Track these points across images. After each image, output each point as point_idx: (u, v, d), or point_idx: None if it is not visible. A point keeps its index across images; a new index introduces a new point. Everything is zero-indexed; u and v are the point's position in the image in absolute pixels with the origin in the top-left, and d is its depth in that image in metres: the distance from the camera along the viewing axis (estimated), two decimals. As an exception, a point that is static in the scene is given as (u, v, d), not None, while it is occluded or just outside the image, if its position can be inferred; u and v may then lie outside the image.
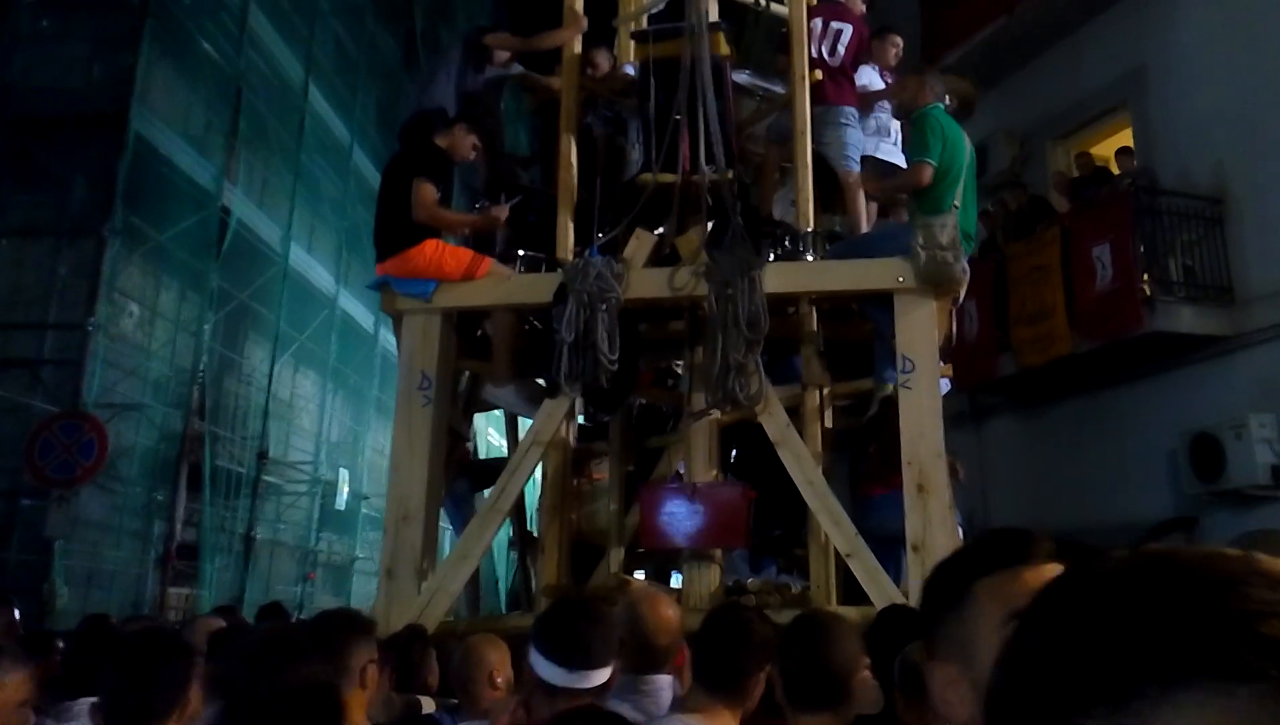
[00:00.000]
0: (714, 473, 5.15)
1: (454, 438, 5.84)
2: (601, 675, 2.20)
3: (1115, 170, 9.78)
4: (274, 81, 12.13)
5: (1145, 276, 8.48)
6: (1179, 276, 8.72)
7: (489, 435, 14.21)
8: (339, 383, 14.00)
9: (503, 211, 5.29)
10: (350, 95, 13.37)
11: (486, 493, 5.80)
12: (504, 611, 11.64)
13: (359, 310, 14.10)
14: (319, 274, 13.39)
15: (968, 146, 5.01)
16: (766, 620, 2.48)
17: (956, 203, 4.76)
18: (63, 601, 8.67)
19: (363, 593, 13.09)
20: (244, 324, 12.13)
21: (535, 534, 6.42)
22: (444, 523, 6.14)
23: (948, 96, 5.20)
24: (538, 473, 5.51)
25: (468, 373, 6.26)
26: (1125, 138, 9.94)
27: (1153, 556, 0.51)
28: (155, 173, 10.10)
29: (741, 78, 6.06)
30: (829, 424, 5.05)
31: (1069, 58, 10.14)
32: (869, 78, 6.15)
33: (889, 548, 4.78)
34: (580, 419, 6.53)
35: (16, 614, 5.19)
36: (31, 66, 9.73)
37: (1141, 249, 8.51)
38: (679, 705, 2.33)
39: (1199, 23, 9.01)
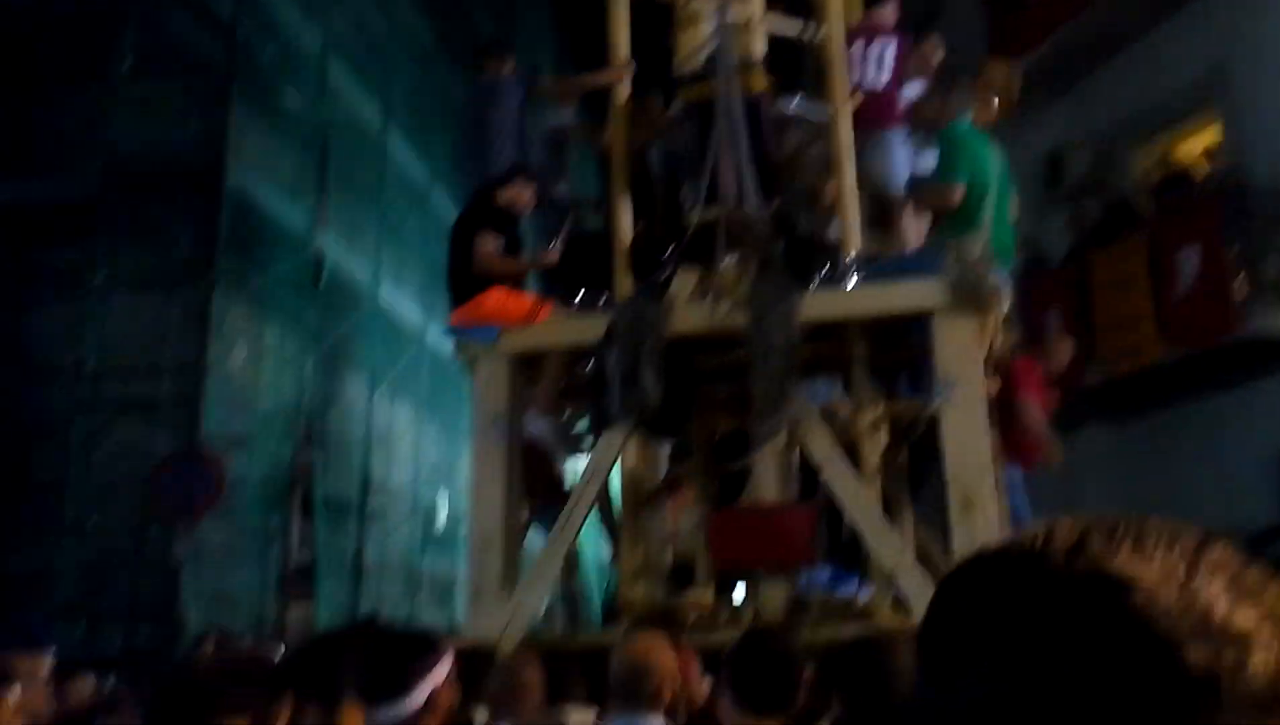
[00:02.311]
0: (785, 493, 5.26)
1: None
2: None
3: (1201, 172, 9.46)
4: (355, 129, 12.69)
5: (1240, 279, 8.21)
6: (1276, 278, 8.41)
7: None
8: (433, 411, 14.43)
9: (554, 254, 5.56)
10: (426, 137, 13.84)
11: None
12: (599, 625, 11.82)
13: (446, 343, 14.46)
14: (408, 309, 13.91)
15: (996, 159, 5.01)
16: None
17: (988, 218, 4.78)
18: (193, 623, 9.29)
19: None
20: (341, 359, 12.68)
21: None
22: None
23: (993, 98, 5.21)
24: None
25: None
26: (1210, 138, 9.61)
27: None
28: (252, 221, 10.74)
29: (791, 106, 6.14)
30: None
31: (1146, 58, 9.79)
32: (911, 89, 6.12)
33: None
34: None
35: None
36: (133, 129, 10.43)
37: (1234, 251, 8.25)
38: None
39: (1284, 13, 8.68)
